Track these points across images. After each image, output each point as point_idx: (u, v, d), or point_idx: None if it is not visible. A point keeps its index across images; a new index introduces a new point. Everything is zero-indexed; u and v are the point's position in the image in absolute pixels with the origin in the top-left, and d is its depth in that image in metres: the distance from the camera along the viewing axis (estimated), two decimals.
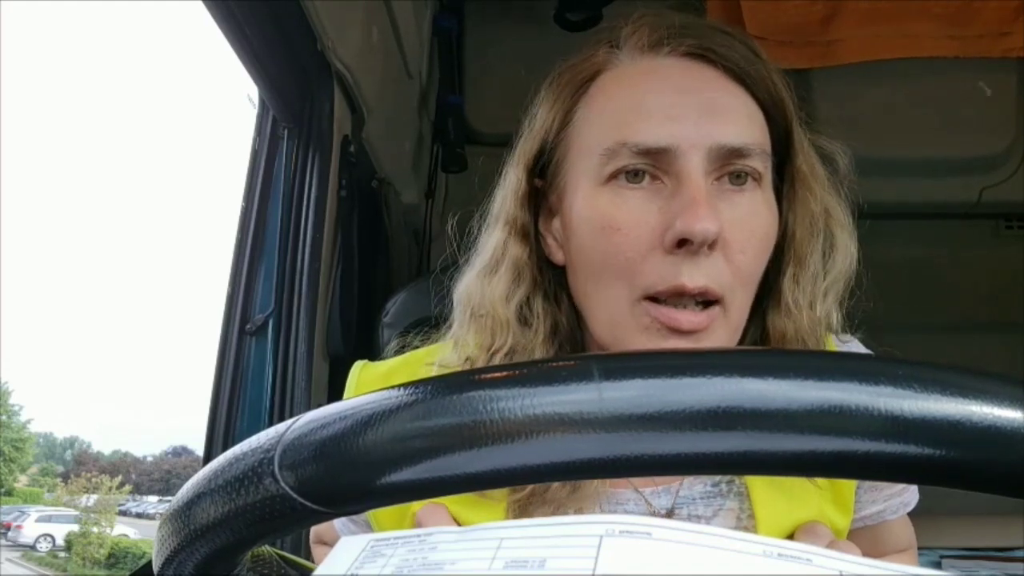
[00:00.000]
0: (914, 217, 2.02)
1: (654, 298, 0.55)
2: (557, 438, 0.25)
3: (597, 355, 0.27)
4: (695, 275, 0.53)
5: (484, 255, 0.63)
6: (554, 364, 0.27)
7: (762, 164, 0.57)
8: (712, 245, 0.53)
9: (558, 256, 0.62)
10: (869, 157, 1.94)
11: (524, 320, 0.61)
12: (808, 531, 0.57)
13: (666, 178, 0.55)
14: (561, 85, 0.62)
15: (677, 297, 0.55)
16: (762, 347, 0.61)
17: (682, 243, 0.53)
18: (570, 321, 0.63)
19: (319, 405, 0.30)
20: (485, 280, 0.62)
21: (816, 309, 0.59)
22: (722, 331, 0.56)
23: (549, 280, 0.63)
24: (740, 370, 0.25)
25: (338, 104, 1.29)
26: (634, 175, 0.56)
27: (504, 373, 0.26)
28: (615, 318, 0.57)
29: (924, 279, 1.99)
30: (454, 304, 0.64)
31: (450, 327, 0.65)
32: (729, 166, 0.56)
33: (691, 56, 0.58)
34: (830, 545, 0.54)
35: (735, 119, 0.56)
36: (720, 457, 0.25)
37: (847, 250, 0.61)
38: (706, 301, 0.55)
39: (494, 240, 0.62)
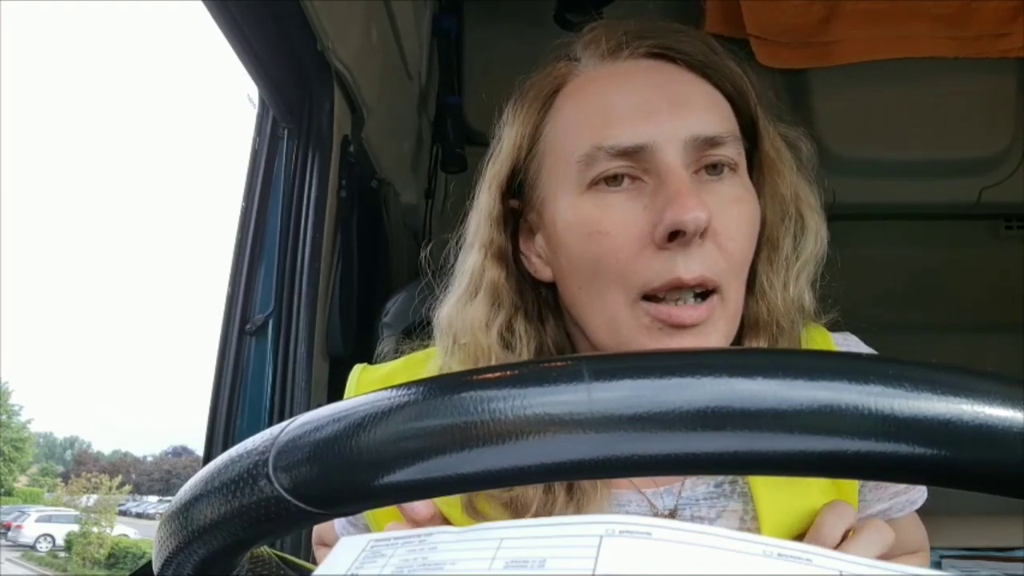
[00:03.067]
0: (914, 217, 2.03)
1: (651, 297, 0.55)
2: (547, 439, 0.25)
3: (587, 356, 0.27)
4: (691, 266, 0.53)
5: (462, 281, 0.62)
6: (545, 365, 0.27)
7: (736, 152, 0.57)
8: (704, 234, 0.53)
9: (545, 273, 0.62)
10: (869, 157, 1.96)
11: (506, 344, 0.60)
12: (831, 510, 0.56)
13: (646, 176, 0.55)
14: (525, 103, 0.62)
15: (675, 291, 0.55)
16: (753, 347, 0.61)
17: (673, 236, 0.53)
18: (556, 340, 0.63)
19: (319, 405, 0.30)
20: (464, 306, 0.61)
21: (790, 290, 0.60)
22: (723, 321, 0.56)
23: (531, 301, 0.63)
24: (730, 370, 0.25)
25: (338, 104, 1.29)
26: (613, 179, 0.56)
27: (495, 374, 0.26)
28: (614, 321, 0.57)
29: (924, 279, 2.00)
30: (435, 332, 0.64)
31: (437, 354, 0.64)
32: (705, 157, 0.56)
33: (651, 56, 0.59)
34: (863, 526, 0.54)
35: (705, 109, 0.57)
36: (710, 457, 0.25)
37: (817, 232, 0.61)
38: (704, 292, 0.55)
39: (470, 265, 0.62)
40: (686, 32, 0.60)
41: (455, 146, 1.89)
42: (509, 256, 0.62)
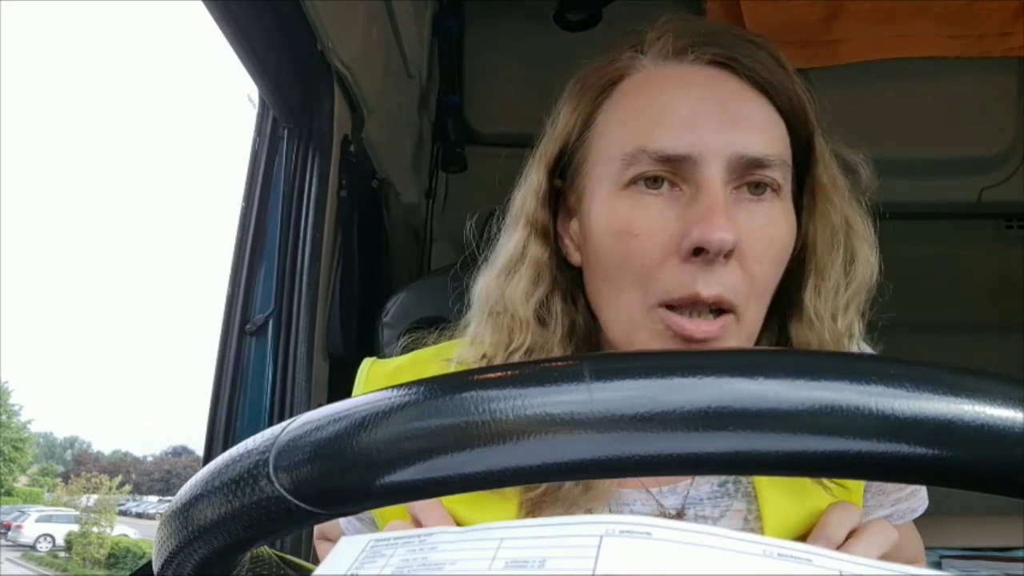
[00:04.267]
0: (914, 217, 2.02)
1: (669, 305, 0.55)
2: (548, 439, 0.25)
3: (588, 355, 0.27)
4: (711, 283, 0.54)
5: (504, 254, 0.63)
6: (546, 365, 0.27)
7: (781, 175, 0.57)
8: (728, 254, 0.53)
9: (575, 257, 0.63)
10: (869, 157, 1.95)
11: (542, 320, 0.61)
12: (837, 509, 0.56)
13: (685, 185, 0.55)
14: (584, 88, 0.62)
15: (692, 305, 0.55)
16: (753, 348, 0.61)
17: (698, 251, 0.53)
18: (587, 321, 0.63)
19: (319, 405, 0.30)
20: (504, 279, 0.62)
21: (838, 321, 0.59)
22: (735, 340, 0.56)
23: (567, 281, 0.63)
24: (731, 370, 0.25)
25: (338, 104, 1.29)
26: (653, 181, 0.56)
27: (497, 374, 0.26)
28: (630, 323, 0.57)
29: (924, 279, 1.99)
30: (472, 302, 0.65)
31: (462, 325, 0.65)
32: (749, 176, 0.56)
33: (715, 64, 0.58)
34: (867, 525, 0.54)
35: (756, 129, 0.56)
36: (711, 457, 0.25)
37: (868, 261, 0.61)
38: (719, 309, 0.55)
39: (515, 240, 0.63)
40: (756, 44, 0.59)
41: (456, 146, 1.89)
42: (552, 235, 0.63)
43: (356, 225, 1.36)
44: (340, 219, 1.31)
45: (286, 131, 1.27)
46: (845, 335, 0.60)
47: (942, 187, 1.95)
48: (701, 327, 0.54)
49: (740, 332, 0.56)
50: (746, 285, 0.55)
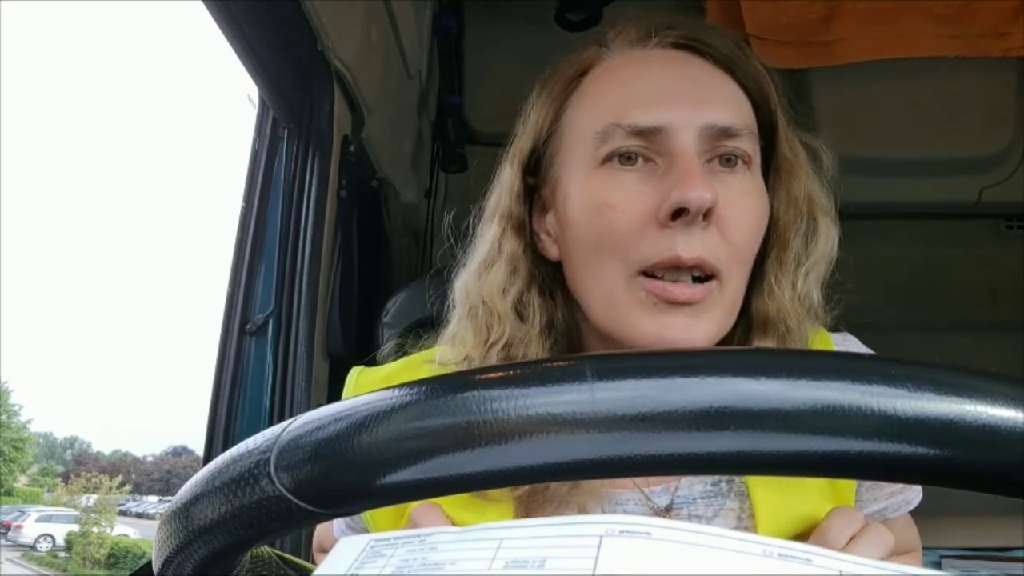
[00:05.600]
0: (914, 217, 2.02)
1: (650, 273, 0.56)
2: (551, 439, 0.25)
3: (590, 355, 0.27)
4: (691, 245, 0.54)
5: (481, 251, 0.64)
6: (548, 365, 0.27)
7: (751, 146, 0.58)
8: (707, 216, 0.54)
9: (552, 251, 0.63)
10: (869, 157, 1.96)
11: (519, 314, 0.62)
12: (840, 515, 0.55)
13: (659, 159, 0.57)
14: (552, 84, 0.64)
15: (673, 271, 0.55)
16: (755, 347, 0.61)
17: (677, 215, 0.54)
18: (565, 316, 0.64)
19: (319, 405, 0.30)
20: (482, 275, 0.63)
21: (797, 288, 0.60)
22: (718, 307, 0.56)
23: (544, 276, 0.64)
24: (733, 370, 0.25)
25: (338, 104, 1.29)
26: (627, 158, 0.57)
27: (498, 374, 0.26)
28: (611, 296, 0.58)
29: (924, 279, 1.99)
30: (453, 301, 0.65)
31: (448, 326, 0.66)
32: (720, 147, 0.57)
33: (678, 47, 0.60)
34: (863, 529, 0.54)
35: (724, 101, 0.58)
36: (713, 457, 0.25)
37: (829, 234, 0.62)
38: (702, 277, 0.56)
39: (490, 236, 0.64)
40: (715, 28, 0.62)
41: (455, 146, 1.89)
42: (527, 229, 0.64)
43: (356, 225, 1.36)
44: (340, 219, 1.31)
45: (286, 131, 1.27)
46: (804, 304, 0.61)
47: (942, 187, 1.96)
48: (683, 289, 0.55)
49: (723, 299, 0.57)
50: (727, 251, 0.56)
